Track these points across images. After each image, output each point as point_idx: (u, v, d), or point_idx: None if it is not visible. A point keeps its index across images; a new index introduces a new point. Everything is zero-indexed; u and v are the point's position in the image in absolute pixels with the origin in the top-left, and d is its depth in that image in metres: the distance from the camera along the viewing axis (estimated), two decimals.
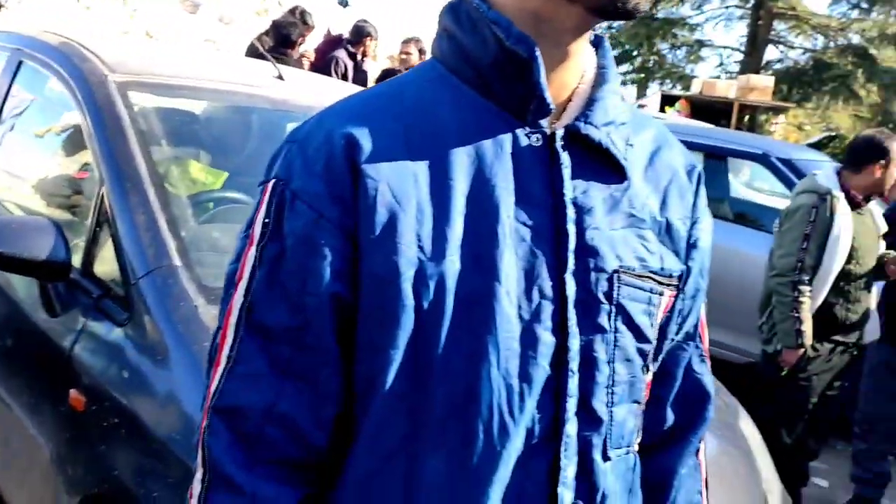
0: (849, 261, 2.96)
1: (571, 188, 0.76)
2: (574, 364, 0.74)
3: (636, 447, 0.86)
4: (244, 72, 2.40)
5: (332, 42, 5.97)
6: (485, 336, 0.71)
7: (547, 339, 0.73)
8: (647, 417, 0.90)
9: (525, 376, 0.72)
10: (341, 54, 5.64)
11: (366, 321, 0.72)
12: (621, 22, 20.51)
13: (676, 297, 0.85)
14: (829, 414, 3.19)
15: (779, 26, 17.91)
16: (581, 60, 0.79)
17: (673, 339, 0.90)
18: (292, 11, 5.45)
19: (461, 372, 0.71)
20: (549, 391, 0.73)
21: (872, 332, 3.36)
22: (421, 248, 0.71)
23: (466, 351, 0.71)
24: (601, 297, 0.76)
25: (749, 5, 17.64)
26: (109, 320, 1.64)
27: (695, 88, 13.38)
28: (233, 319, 0.75)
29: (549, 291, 0.73)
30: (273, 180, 0.75)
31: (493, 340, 0.71)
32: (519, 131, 0.75)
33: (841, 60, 17.08)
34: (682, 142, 3.53)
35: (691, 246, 0.87)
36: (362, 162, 0.71)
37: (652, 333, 0.81)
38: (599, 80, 0.80)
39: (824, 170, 3.14)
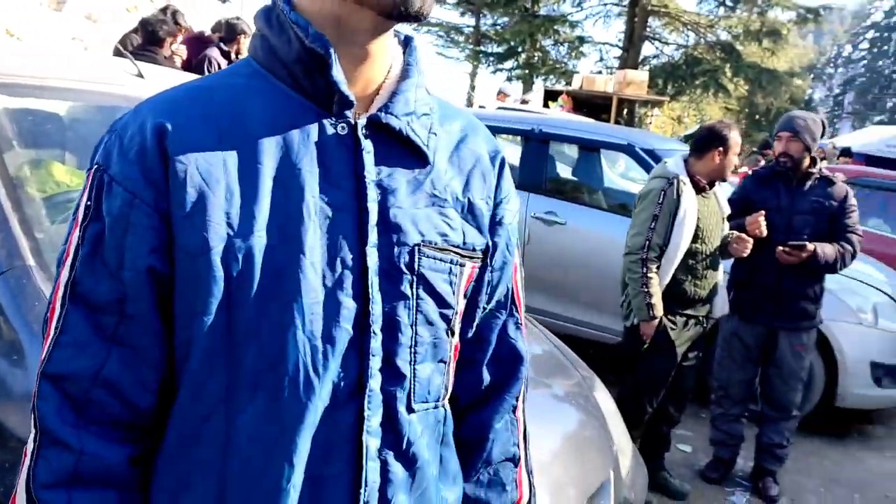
0: (695, 240, 3.20)
1: (375, 171, 0.84)
2: (376, 327, 0.82)
3: (445, 402, 0.95)
4: (103, 70, 2.38)
5: (196, 39, 5.83)
6: (291, 302, 0.79)
7: (349, 305, 0.81)
8: (466, 378, 1.00)
9: (329, 338, 0.80)
10: (214, 53, 5.52)
11: (182, 291, 0.80)
12: (505, 19, 20.99)
13: (483, 269, 0.95)
14: (686, 383, 3.43)
15: (654, 23, 18.73)
16: (385, 58, 0.88)
17: (485, 308, 0.99)
18: (164, 10, 5.29)
19: (270, 334, 0.79)
20: (353, 350, 0.82)
21: (723, 306, 3.65)
22: (230, 224, 0.78)
23: (274, 316, 0.79)
24: (403, 267, 0.85)
25: (625, 3, 18.38)
26: None
27: (576, 84, 13.83)
28: (60, 294, 0.81)
29: (350, 263, 0.82)
30: (95, 167, 0.82)
31: (299, 306, 0.79)
32: (326, 121, 0.83)
33: (710, 56, 18.07)
34: (559, 136, 3.78)
35: (497, 223, 0.96)
36: (172, 148, 0.79)
37: (454, 300, 0.90)
38: (404, 75, 0.89)
39: (674, 157, 3.38)
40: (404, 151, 0.88)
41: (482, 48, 22.38)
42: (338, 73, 0.82)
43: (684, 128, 21.01)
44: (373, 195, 0.84)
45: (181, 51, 5.29)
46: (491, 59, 22.25)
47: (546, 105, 13.32)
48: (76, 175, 2.29)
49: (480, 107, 11.56)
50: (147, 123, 0.80)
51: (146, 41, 4.91)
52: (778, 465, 3.69)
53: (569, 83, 15.74)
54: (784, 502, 3.67)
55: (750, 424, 3.81)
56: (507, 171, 0.99)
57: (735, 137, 3.24)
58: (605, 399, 2.44)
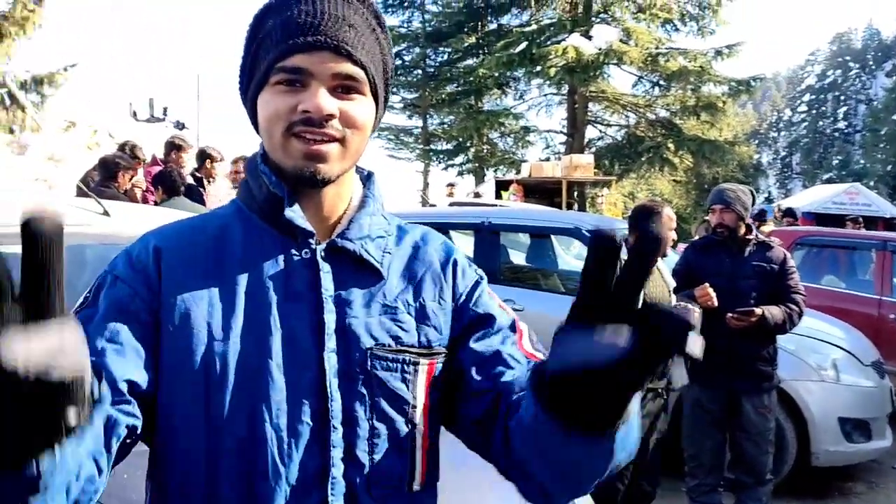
0: None
1: (333, 288, 0.99)
2: (336, 421, 0.95)
3: (414, 484, 1.01)
4: (69, 212, 2.50)
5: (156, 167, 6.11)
6: (260, 400, 0.93)
7: (310, 402, 0.95)
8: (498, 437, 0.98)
9: (293, 431, 0.93)
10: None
11: (165, 388, 0.94)
12: (451, 118, 21.64)
13: (448, 360, 1.03)
14: (653, 456, 3.51)
15: (594, 107, 19.51)
16: (342, 195, 1.04)
17: (483, 390, 1.01)
18: (122, 146, 5.51)
19: (242, 426, 0.93)
20: (316, 442, 0.94)
21: (681, 377, 3.77)
22: (211, 333, 0.94)
23: (246, 410, 0.93)
24: (358, 369, 0.98)
25: (564, 92, 19.23)
26: None
27: (525, 172, 14.28)
28: None
29: (312, 365, 0.96)
30: (102, 273, 0.98)
31: (266, 403, 0.93)
32: (292, 249, 1.00)
33: (652, 133, 18.81)
34: (508, 226, 3.98)
35: (473, 305, 1.06)
36: (166, 266, 0.97)
37: (410, 395, 1.00)
38: (362, 204, 1.07)
39: None
40: (360, 269, 1.03)
41: (432, 147, 23.13)
42: (291, 213, 0.99)
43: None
44: (330, 307, 0.98)
45: (140, 182, 5.49)
46: (441, 156, 22.98)
47: (499, 195, 13.68)
48: None
49: (431, 205, 11.87)
50: (150, 244, 0.99)
51: (104, 177, 5.12)
52: None
53: (518, 172, 16.24)
54: None
55: (727, 494, 3.87)
56: (461, 269, 1.10)
57: (665, 213, 3.45)
58: None
